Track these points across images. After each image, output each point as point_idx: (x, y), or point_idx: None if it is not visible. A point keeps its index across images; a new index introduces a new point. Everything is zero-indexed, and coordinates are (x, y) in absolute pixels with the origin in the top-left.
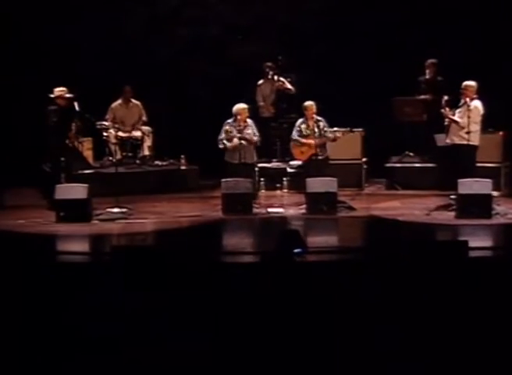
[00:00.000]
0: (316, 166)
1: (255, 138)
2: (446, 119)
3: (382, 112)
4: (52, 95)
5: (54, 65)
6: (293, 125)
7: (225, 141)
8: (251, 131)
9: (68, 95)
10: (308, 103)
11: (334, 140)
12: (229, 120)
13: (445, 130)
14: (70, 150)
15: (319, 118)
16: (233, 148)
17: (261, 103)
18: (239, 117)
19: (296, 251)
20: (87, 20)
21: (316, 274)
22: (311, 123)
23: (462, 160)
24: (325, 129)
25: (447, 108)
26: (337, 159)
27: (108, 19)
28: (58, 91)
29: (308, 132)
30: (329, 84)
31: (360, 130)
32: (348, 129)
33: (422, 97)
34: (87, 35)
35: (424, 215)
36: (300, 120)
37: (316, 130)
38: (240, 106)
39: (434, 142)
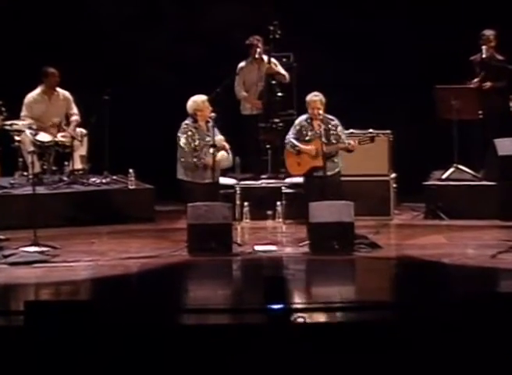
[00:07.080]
0: (323, 184)
1: (225, 143)
2: None
3: (420, 107)
4: None
5: None
6: (290, 126)
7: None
8: (219, 135)
9: None
10: (313, 96)
11: (349, 150)
12: (187, 121)
13: None
14: None
15: (330, 117)
16: (216, 164)
17: (243, 93)
18: (199, 115)
19: (270, 307)
20: None
21: (324, 341)
22: (316, 123)
23: None
24: (339, 133)
25: None
26: (355, 175)
27: None
28: None
29: (313, 136)
30: (344, 67)
31: (388, 132)
32: (369, 132)
33: (475, 81)
34: None
35: (487, 257)
36: (303, 118)
37: (323, 132)
38: (199, 99)
39: (494, 150)
